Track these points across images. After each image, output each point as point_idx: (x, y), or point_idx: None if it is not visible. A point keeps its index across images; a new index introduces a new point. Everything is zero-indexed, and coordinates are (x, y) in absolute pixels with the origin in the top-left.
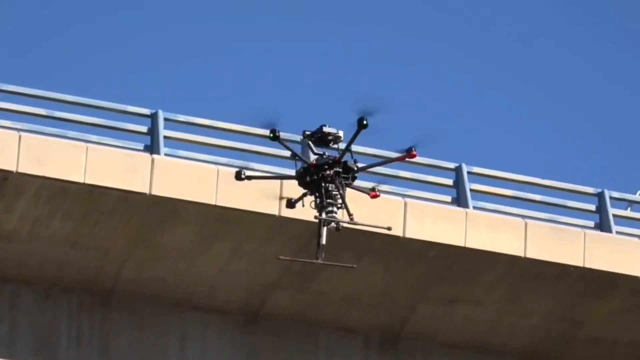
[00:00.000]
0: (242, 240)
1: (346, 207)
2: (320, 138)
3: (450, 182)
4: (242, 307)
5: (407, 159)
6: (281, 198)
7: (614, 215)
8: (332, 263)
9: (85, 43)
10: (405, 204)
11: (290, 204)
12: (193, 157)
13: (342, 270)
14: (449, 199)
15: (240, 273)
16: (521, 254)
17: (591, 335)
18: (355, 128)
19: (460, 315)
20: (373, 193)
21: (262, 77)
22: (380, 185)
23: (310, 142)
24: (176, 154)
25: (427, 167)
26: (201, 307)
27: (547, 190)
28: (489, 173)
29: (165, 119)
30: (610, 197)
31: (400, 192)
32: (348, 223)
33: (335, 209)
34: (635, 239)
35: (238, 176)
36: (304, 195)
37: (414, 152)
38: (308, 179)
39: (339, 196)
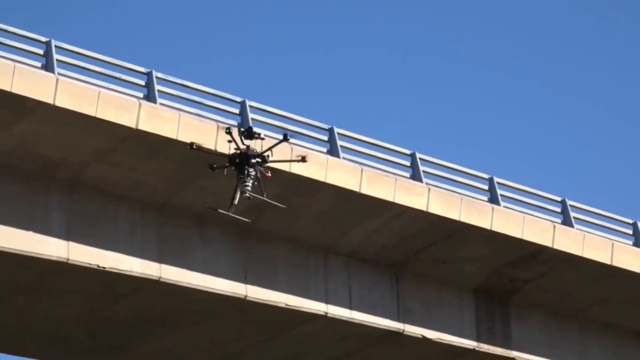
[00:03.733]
0: None
1: (260, 185)
2: (248, 134)
3: None
4: None
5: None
6: (209, 165)
7: None
8: (230, 214)
9: None
10: None
11: (212, 168)
12: None
13: None
14: None
15: None
16: None
17: None
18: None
19: None
20: (268, 175)
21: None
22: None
23: (241, 136)
24: None
25: None
26: None
27: None
28: None
29: None
30: None
31: None
32: (256, 195)
33: (249, 184)
34: None
35: (191, 146)
36: (225, 167)
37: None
38: (237, 160)
39: (254, 176)
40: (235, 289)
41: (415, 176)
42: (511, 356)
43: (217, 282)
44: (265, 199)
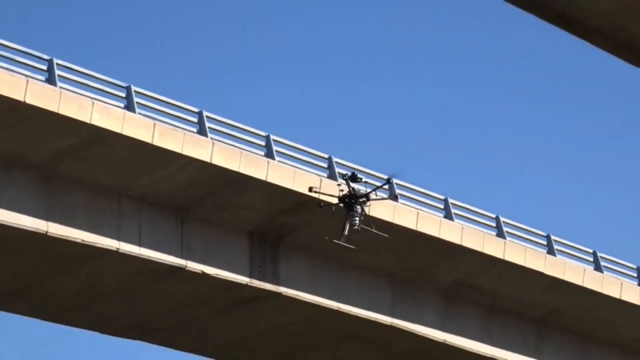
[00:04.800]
0: None
1: (367, 219)
2: (352, 178)
3: None
4: None
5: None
6: (319, 203)
7: None
8: (346, 244)
9: None
10: None
11: (320, 206)
12: None
13: None
14: None
15: None
16: None
17: None
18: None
19: None
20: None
21: None
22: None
23: (347, 180)
24: None
25: None
26: None
27: None
28: None
29: None
30: None
31: None
32: (363, 226)
33: (357, 219)
34: None
35: (310, 189)
36: (335, 205)
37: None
38: (347, 200)
39: (361, 212)
40: (37, 225)
41: (202, 131)
42: (279, 291)
43: (21, 218)
44: (373, 230)
